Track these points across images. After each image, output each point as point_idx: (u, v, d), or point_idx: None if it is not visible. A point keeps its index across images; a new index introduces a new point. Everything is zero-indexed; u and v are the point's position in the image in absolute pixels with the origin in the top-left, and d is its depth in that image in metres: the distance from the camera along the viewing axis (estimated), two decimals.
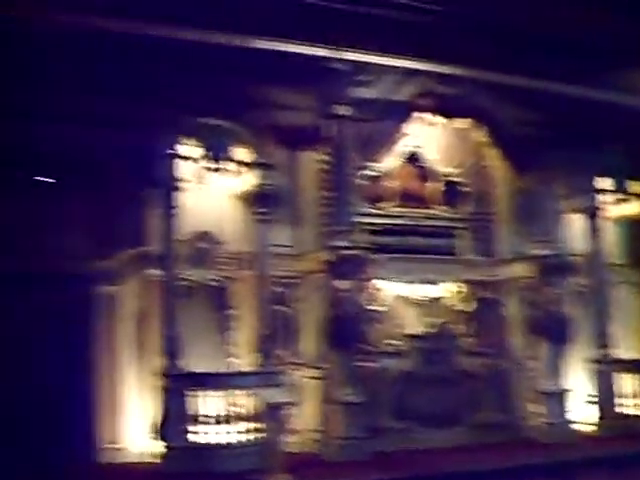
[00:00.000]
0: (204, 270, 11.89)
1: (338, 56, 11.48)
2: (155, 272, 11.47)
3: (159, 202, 11.10)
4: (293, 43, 11.20)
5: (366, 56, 11.82)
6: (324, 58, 11.50)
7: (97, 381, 11.36)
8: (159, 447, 10.62)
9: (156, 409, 10.83)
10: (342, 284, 11.54)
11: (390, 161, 13.27)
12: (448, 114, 12.86)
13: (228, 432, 10.70)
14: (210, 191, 11.93)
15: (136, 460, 11.21)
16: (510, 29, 12.08)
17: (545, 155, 13.04)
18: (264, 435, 10.55)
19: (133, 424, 11.41)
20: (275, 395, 10.57)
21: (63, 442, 10.88)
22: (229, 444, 10.63)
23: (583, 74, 12.71)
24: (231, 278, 12.14)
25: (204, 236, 11.92)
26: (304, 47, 11.28)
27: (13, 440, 10.63)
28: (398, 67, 12.14)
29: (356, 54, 11.67)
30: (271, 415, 10.24)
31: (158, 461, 10.58)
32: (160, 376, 10.81)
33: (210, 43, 10.88)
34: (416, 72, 12.31)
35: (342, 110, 11.78)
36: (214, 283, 12.00)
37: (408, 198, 13.48)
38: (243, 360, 12.01)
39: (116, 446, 11.34)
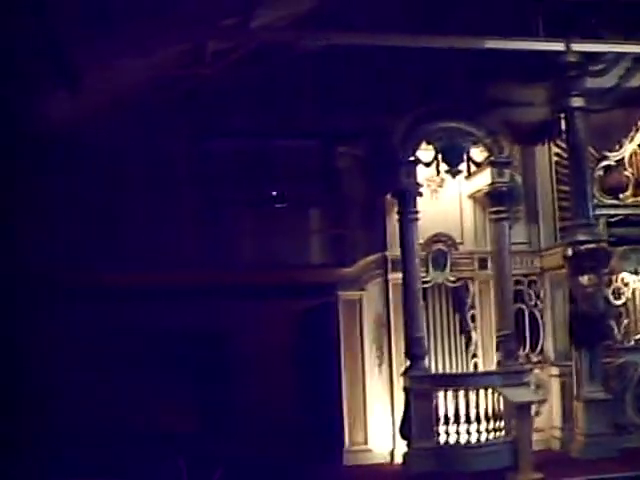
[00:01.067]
0: (443, 272, 11.97)
1: (568, 49, 11.14)
2: (396, 276, 11.72)
3: (400, 207, 11.22)
4: (522, 40, 10.95)
5: (596, 46, 11.40)
6: (554, 52, 11.20)
7: (343, 385, 11.71)
8: (405, 448, 10.84)
9: (402, 410, 11.03)
10: (586, 279, 11.26)
11: (626, 149, 12.77)
12: None
13: (474, 432, 10.78)
14: (445, 193, 12.03)
15: (382, 461, 11.52)
16: None
17: None
18: (510, 434, 10.57)
19: (378, 426, 11.70)
20: (523, 394, 10.52)
21: (314, 444, 11.30)
22: (476, 443, 10.70)
23: None
24: (470, 278, 12.19)
25: (442, 238, 11.98)
26: (533, 43, 11.01)
27: (267, 444, 11.13)
28: (629, 53, 11.64)
29: (586, 45, 11.27)
30: (519, 414, 10.17)
31: (404, 462, 10.82)
32: (405, 377, 11.02)
33: (440, 48, 10.86)
34: None
35: (576, 102, 11.46)
36: (453, 284, 12.06)
37: None
38: (485, 360, 12.05)
39: (362, 448, 11.68)
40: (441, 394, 10.80)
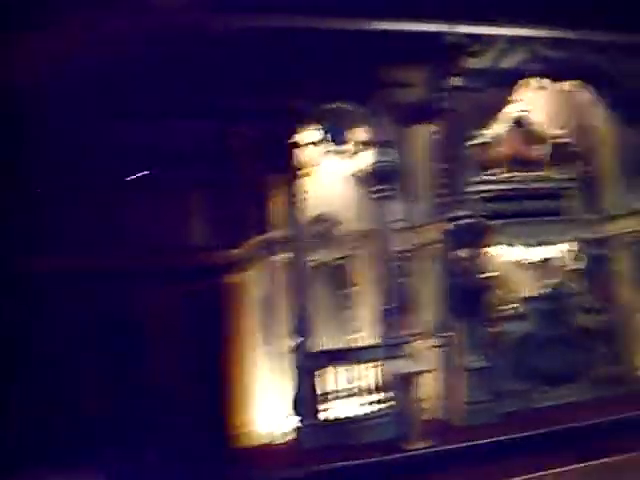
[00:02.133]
0: (325, 251, 12.07)
1: (450, 30, 11.36)
2: (280, 257, 11.77)
3: (287, 188, 11.21)
4: (408, 21, 11.12)
5: (476, 27, 11.68)
6: (436, 33, 11.41)
7: (231, 366, 11.72)
8: (293, 425, 10.97)
9: (289, 388, 11.16)
10: (463, 253, 11.61)
11: (498, 127, 13.19)
12: (556, 77, 12.72)
13: (360, 405, 11.03)
14: (326, 173, 12.10)
15: (270, 441, 11.60)
16: None
17: None
18: (395, 405, 10.87)
19: (266, 406, 11.80)
20: (405, 365, 10.83)
21: (199, 427, 11.28)
22: (364, 416, 10.96)
23: None
24: (351, 256, 12.35)
25: (324, 218, 12.06)
26: (416, 24, 11.20)
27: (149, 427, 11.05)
28: (506, 35, 11.99)
29: (466, 26, 11.55)
30: (402, 385, 10.47)
31: (293, 439, 10.95)
32: (291, 356, 11.12)
33: (323, 29, 10.87)
34: (525, 39, 12.14)
35: (455, 81, 11.74)
36: (336, 262, 12.20)
37: (517, 163, 13.44)
38: (366, 334, 12.29)
39: (251, 428, 11.75)
40: (328, 370, 11.01)
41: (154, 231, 11.66)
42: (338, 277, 12.29)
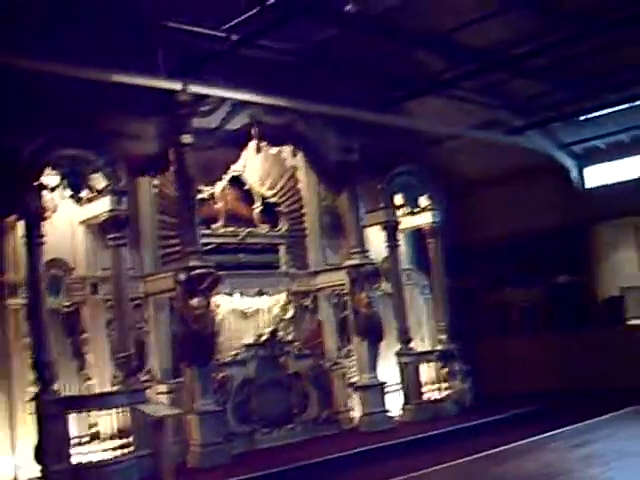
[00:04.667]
0: (57, 297, 11.72)
1: (185, 89, 11.79)
2: (14, 301, 11.29)
3: (26, 231, 10.78)
4: (146, 77, 11.34)
5: (205, 88, 12.23)
6: (170, 90, 11.78)
7: None
8: (37, 474, 10.39)
9: (34, 435, 10.60)
10: (196, 301, 11.83)
11: (217, 185, 13.79)
12: (272, 141, 13.62)
13: (107, 450, 10.79)
14: (61, 218, 11.84)
15: None
16: (325, 63, 13.03)
17: (354, 177, 14.24)
18: (141, 449, 10.79)
19: (4, 454, 11.04)
20: (159, 409, 10.81)
21: None
22: (109, 461, 10.68)
23: (387, 103, 13.91)
24: (82, 302, 12.10)
25: (57, 263, 11.75)
26: (156, 80, 11.46)
27: None
28: (231, 99, 12.66)
29: (201, 87, 12.05)
30: (156, 428, 10.46)
31: None
32: (36, 402, 10.55)
33: (62, 74, 10.76)
34: (246, 104, 12.89)
35: (185, 139, 12.08)
36: (67, 309, 11.89)
37: (234, 218, 14.11)
38: (99, 381, 12.05)
39: None
40: (73, 416, 10.63)
41: None
42: (69, 324, 11.96)
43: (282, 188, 14.89)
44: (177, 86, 11.75)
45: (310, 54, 12.73)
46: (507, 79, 14.60)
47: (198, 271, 11.86)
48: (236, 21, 11.01)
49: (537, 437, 11.97)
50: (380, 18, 11.99)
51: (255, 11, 10.70)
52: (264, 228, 14.52)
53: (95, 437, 11.14)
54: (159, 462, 10.42)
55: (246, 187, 14.40)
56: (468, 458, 10.86)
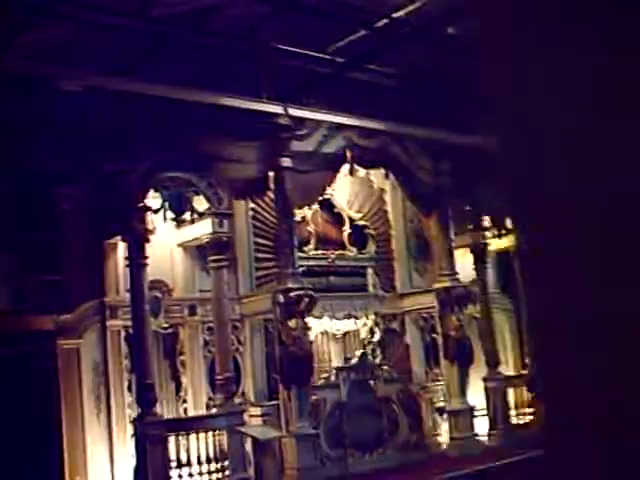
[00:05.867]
0: (156, 318, 11.67)
1: (286, 112, 11.71)
2: (114, 322, 11.27)
3: (130, 253, 10.78)
4: (250, 100, 11.31)
5: (305, 112, 12.15)
6: (271, 114, 11.70)
7: (64, 436, 10.85)
8: None
9: (132, 457, 10.55)
10: (294, 323, 11.71)
11: (307, 207, 13.68)
12: (365, 165, 13.49)
13: (206, 473, 10.67)
14: (157, 241, 11.78)
15: None
16: (420, 86, 12.89)
17: (444, 199, 14.05)
18: (236, 473, 10.66)
19: (99, 476, 10.98)
20: (266, 431, 10.69)
21: None
22: None
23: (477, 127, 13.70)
24: (180, 324, 12.06)
25: (156, 285, 11.71)
26: (259, 104, 11.42)
27: None
28: (327, 122, 12.55)
29: (301, 110, 11.97)
30: (265, 450, 10.32)
31: None
32: (137, 424, 10.52)
33: (167, 97, 10.73)
34: (341, 127, 12.77)
35: (285, 162, 11.99)
36: (165, 330, 11.85)
37: (324, 241, 13.98)
38: (194, 404, 11.96)
39: None
40: (173, 439, 10.55)
41: None
42: (168, 345, 11.92)
43: (370, 210, 14.77)
44: (278, 109, 11.67)
45: (406, 77, 12.61)
46: None
47: (296, 292, 11.74)
48: (341, 44, 10.91)
49: None
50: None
51: (361, 34, 10.64)
52: (353, 251, 14.37)
53: (189, 461, 11.03)
54: None
55: (336, 210, 14.27)
56: None
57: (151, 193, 11.07)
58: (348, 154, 12.92)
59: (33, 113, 10.03)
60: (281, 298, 11.75)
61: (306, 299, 11.79)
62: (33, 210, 10.94)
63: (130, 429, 10.94)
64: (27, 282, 11.01)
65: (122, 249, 11.31)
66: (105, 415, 11.17)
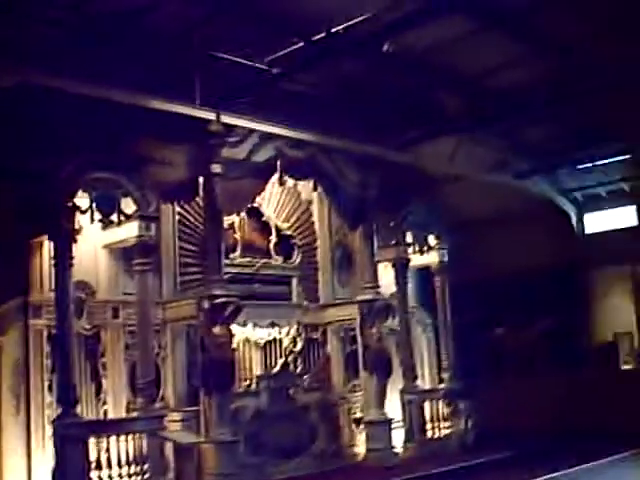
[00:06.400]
0: (79, 320, 11.42)
1: (218, 119, 11.70)
2: (37, 322, 11.06)
3: (56, 252, 10.57)
4: (182, 104, 11.28)
5: (236, 119, 12.16)
6: (204, 120, 11.68)
7: None
8: None
9: (50, 458, 10.31)
10: (218, 329, 11.63)
11: (234, 214, 13.66)
12: (296, 175, 13.58)
13: (125, 476, 10.52)
14: (89, 241, 11.63)
15: None
16: (349, 99, 13.05)
17: (370, 212, 14.24)
18: (155, 476, 10.56)
19: (19, 476, 10.71)
20: (187, 436, 10.61)
21: None
22: None
23: (404, 143, 13.98)
24: (103, 326, 11.88)
25: (81, 286, 11.50)
26: (191, 109, 11.38)
27: None
28: (258, 131, 12.59)
29: (233, 118, 11.96)
30: (184, 455, 10.24)
31: None
32: (56, 425, 10.27)
33: (102, 98, 10.63)
34: (272, 136, 12.82)
35: (216, 168, 11.90)
36: (87, 332, 11.66)
37: (250, 249, 13.99)
38: (114, 406, 11.78)
39: None
40: (93, 440, 10.36)
41: None
42: (89, 347, 11.72)
43: (297, 221, 14.85)
44: (211, 115, 11.67)
45: (336, 89, 12.74)
46: (518, 124, 14.80)
47: (222, 299, 11.69)
48: (280, 54, 10.99)
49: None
50: (411, 58, 12.10)
51: (299, 46, 10.75)
52: (278, 260, 14.41)
53: (110, 463, 10.83)
54: None
55: (263, 218, 14.30)
56: None
57: (79, 194, 10.88)
58: (278, 163, 12.97)
59: None
60: (206, 304, 11.69)
61: (231, 306, 11.76)
62: None
63: (49, 430, 10.68)
64: None
65: (48, 248, 11.09)
66: (24, 415, 10.89)
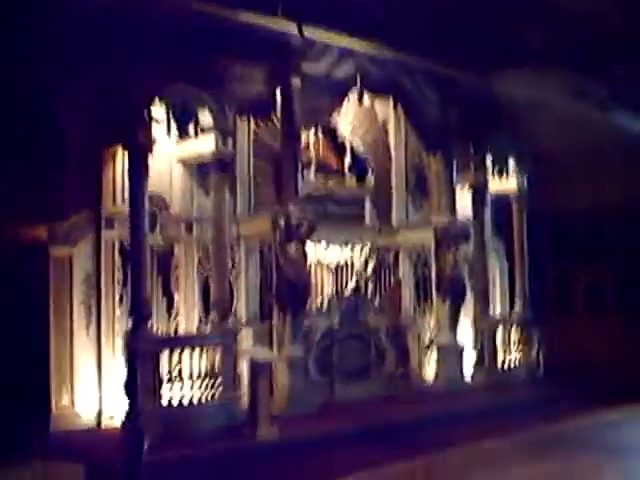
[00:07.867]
0: (152, 233, 11.04)
1: (300, 32, 11.17)
2: (109, 234, 10.82)
3: (131, 163, 10.17)
4: (261, 16, 10.80)
5: (314, 33, 11.58)
6: (283, 33, 11.16)
7: (51, 346, 10.44)
8: (126, 409, 9.88)
9: (120, 371, 10.14)
10: (293, 247, 11.30)
11: (309, 133, 13.15)
12: (376, 91, 12.97)
13: (202, 390, 10.29)
14: (164, 154, 11.24)
15: (88, 424, 10.46)
16: (437, 22, 12.34)
17: (449, 136, 13.61)
18: (228, 392, 10.34)
19: (86, 388, 10.60)
20: (263, 352, 10.38)
21: (20, 408, 9.89)
22: (201, 403, 10.21)
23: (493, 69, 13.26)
24: (176, 241, 11.60)
25: (153, 199, 11.12)
26: (272, 20, 10.90)
27: None
28: (339, 45, 11.99)
29: (309, 30, 11.42)
30: (259, 371, 9.96)
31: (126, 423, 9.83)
32: (130, 337, 10.05)
33: (177, 11, 10.17)
34: (352, 53, 12.22)
35: (295, 82, 11.45)
36: (160, 247, 11.38)
37: (324, 168, 13.50)
38: (186, 321, 11.58)
39: (69, 411, 10.50)
40: (166, 354, 10.14)
41: None
42: (162, 262, 11.45)
43: (372, 141, 14.24)
44: (292, 28, 11.10)
45: (423, 10, 12.03)
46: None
47: (297, 217, 11.31)
48: None
49: None
50: None
51: None
52: (352, 180, 13.90)
53: (181, 376, 10.62)
54: (253, 407, 9.91)
55: (338, 138, 13.75)
56: None
57: (156, 103, 10.44)
58: (358, 79, 12.36)
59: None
60: (282, 222, 11.33)
61: (306, 225, 11.39)
62: (33, 114, 10.32)
63: (119, 342, 10.51)
64: (23, 187, 10.45)
65: (122, 158, 10.75)
66: (95, 327, 10.74)
